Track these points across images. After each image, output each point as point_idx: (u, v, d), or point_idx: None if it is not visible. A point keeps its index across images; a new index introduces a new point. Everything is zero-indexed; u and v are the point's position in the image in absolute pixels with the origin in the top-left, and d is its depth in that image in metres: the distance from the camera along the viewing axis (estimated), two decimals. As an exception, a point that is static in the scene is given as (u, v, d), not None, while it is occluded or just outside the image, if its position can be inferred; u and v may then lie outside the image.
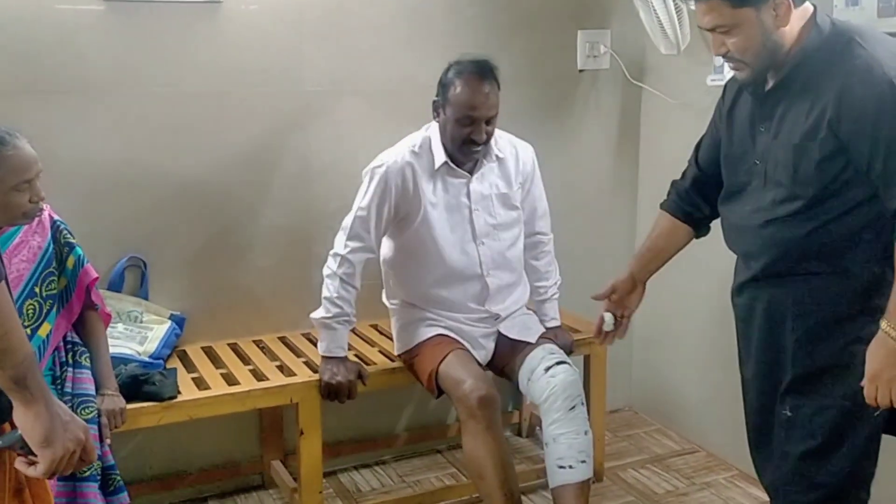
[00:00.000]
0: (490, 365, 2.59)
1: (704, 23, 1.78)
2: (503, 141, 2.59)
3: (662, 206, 2.21)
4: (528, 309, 2.71)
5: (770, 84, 1.80)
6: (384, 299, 2.69)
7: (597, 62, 3.19)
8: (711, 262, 2.70)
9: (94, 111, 2.55)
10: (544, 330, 2.63)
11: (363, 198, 2.46)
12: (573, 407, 2.36)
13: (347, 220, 2.47)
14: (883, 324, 1.65)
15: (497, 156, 2.54)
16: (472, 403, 2.31)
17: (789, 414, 1.86)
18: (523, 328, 2.59)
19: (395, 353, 2.62)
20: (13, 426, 1.22)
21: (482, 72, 2.39)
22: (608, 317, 2.21)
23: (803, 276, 1.80)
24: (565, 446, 2.34)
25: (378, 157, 2.50)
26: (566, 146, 3.22)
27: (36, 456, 1.22)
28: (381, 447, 3.09)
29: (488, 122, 2.41)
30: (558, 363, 2.43)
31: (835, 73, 1.68)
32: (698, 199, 2.11)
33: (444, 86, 2.43)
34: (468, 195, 2.50)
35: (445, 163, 2.46)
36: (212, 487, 2.84)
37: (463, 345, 2.50)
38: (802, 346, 1.81)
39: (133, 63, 2.57)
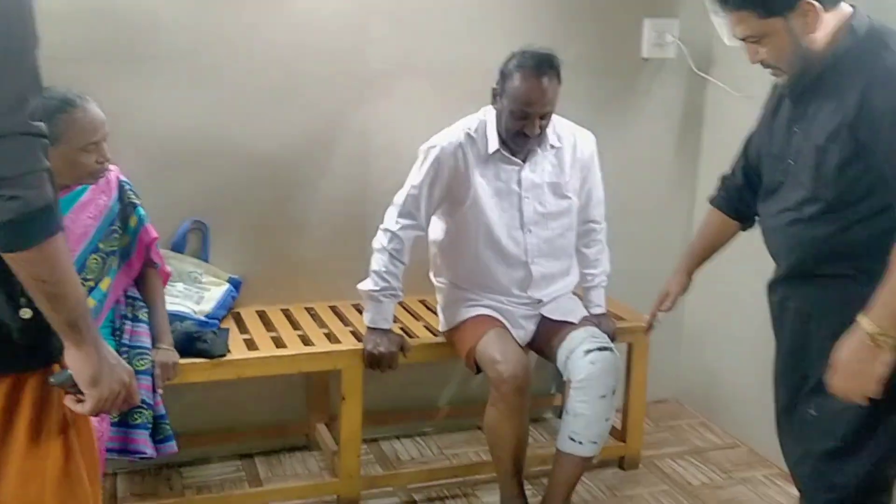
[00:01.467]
0: (530, 345, 2.64)
1: (736, 33, 1.80)
2: (563, 129, 2.61)
3: (712, 202, 2.23)
4: (574, 294, 2.73)
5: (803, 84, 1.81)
6: (431, 277, 2.75)
7: (663, 51, 3.17)
8: (762, 257, 2.69)
9: (165, 80, 2.66)
10: (588, 314, 2.66)
11: (416, 176, 2.52)
12: (604, 395, 2.41)
13: (399, 197, 2.53)
14: (860, 317, 1.63)
15: (552, 145, 2.57)
16: (505, 388, 2.38)
17: (813, 413, 1.86)
18: (566, 310, 2.63)
19: (440, 330, 2.68)
20: (63, 367, 1.32)
21: (542, 67, 2.40)
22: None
23: (830, 277, 1.81)
24: (583, 425, 2.42)
25: (434, 136, 2.55)
26: (626, 135, 3.21)
27: (83, 395, 1.32)
28: (423, 419, 3.17)
29: (543, 116, 2.43)
30: (600, 349, 2.47)
31: (861, 75, 1.68)
32: (747, 195, 2.11)
33: (504, 75, 2.45)
34: (519, 182, 2.54)
35: (498, 150, 2.50)
36: (259, 445, 2.97)
37: (503, 323, 2.55)
38: (827, 346, 1.80)
39: (206, 35, 2.68)
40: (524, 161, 2.54)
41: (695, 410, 3.43)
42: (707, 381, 3.38)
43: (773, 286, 1.98)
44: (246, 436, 2.95)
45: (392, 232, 2.49)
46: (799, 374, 1.90)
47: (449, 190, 2.52)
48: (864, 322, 1.63)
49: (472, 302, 2.59)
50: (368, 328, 2.56)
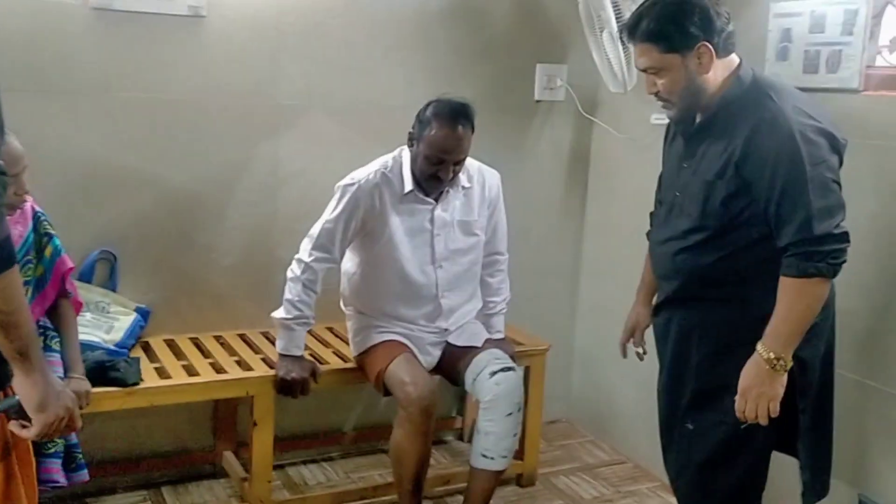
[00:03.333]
0: (436, 370, 2.77)
1: (639, 64, 2.03)
2: (472, 169, 2.75)
3: (648, 235, 2.35)
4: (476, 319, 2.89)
5: (695, 125, 2.04)
6: (341, 305, 2.85)
7: (553, 94, 3.41)
8: None
9: (77, 112, 2.69)
10: (488, 336, 2.81)
11: (332, 211, 2.60)
12: (510, 413, 2.58)
13: (315, 230, 2.61)
14: (759, 346, 1.88)
15: (463, 186, 2.71)
16: (413, 410, 2.51)
17: (690, 426, 2.08)
18: (471, 335, 2.77)
19: (352, 355, 2.79)
20: (7, 394, 1.37)
21: (458, 117, 2.53)
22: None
23: (709, 302, 2.03)
24: (493, 441, 2.58)
25: (351, 174, 2.64)
26: (520, 171, 3.42)
27: (29, 421, 1.37)
28: (329, 444, 3.25)
29: (457, 163, 2.58)
30: (504, 369, 2.62)
31: (747, 120, 1.91)
32: None
33: (420, 122, 2.57)
34: (431, 221, 2.67)
35: (412, 190, 2.62)
36: (165, 474, 2.98)
37: (411, 349, 2.68)
38: (704, 365, 2.04)
39: (117, 69, 2.72)
40: (436, 200, 2.66)
41: (585, 430, 3.65)
42: (596, 402, 3.61)
43: (657, 308, 2.19)
44: (152, 464, 2.96)
45: (306, 263, 2.59)
46: (678, 391, 2.12)
47: (363, 225, 2.62)
48: (762, 349, 1.86)
49: (382, 328, 2.71)
50: (281, 355, 2.63)
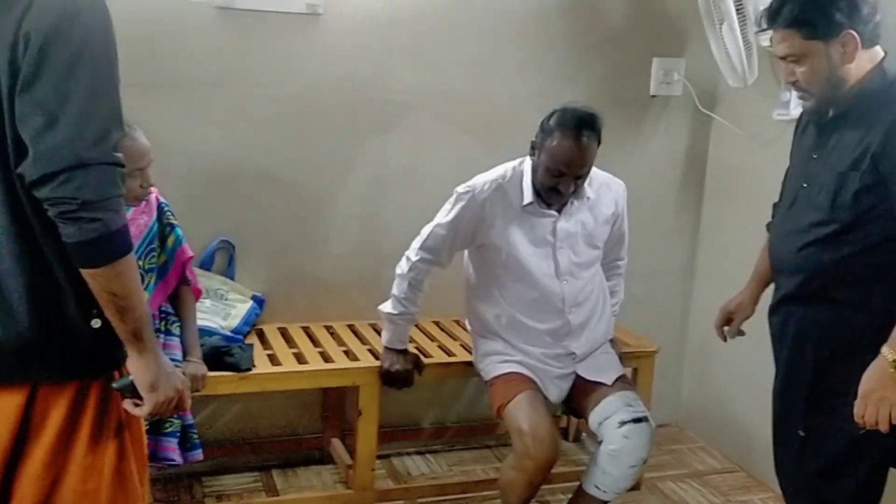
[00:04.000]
0: (564, 402, 2.67)
1: (778, 51, 1.93)
2: (597, 180, 2.62)
3: (768, 228, 2.29)
4: (610, 347, 2.74)
5: (829, 116, 1.94)
6: (466, 323, 2.78)
7: (669, 89, 3.32)
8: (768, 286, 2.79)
9: (199, 107, 2.81)
10: (622, 373, 2.66)
11: (445, 215, 2.54)
12: (634, 466, 2.47)
13: (426, 230, 2.57)
14: (884, 349, 1.77)
15: (588, 197, 2.57)
16: (529, 464, 2.39)
17: (802, 434, 1.99)
18: (601, 368, 2.61)
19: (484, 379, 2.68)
20: (124, 374, 1.45)
21: (582, 127, 2.40)
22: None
23: (831, 303, 1.93)
24: (610, 483, 2.48)
25: (471, 180, 2.55)
26: (634, 167, 3.33)
27: (141, 399, 1.45)
28: (434, 437, 3.29)
29: (579, 176, 2.45)
30: (635, 420, 2.46)
31: (889, 112, 1.81)
32: None
33: (543, 131, 2.46)
34: (554, 233, 2.55)
35: (533, 202, 2.51)
36: (276, 457, 3.09)
37: (535, 384, 2.54)
38: (821, 368, 1.94)
39: (237, 65, 2.83)
40: (559, 212, 2.55)
41: (695, 435, 3.54)
42: (708, 406, 3.49)
43: (774, 308, 2.10)
44: (264, 448, 3.07)
45: (413, 262, 2.56)
46: (792, 395, 2.03)
47: (474, 237, 2.54)
48: (888, 352, 1.76)
49: (505, 357, 2.59)
50: (385, 348, 2.68)
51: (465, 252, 2.67)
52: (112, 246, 1.29)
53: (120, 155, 1.30)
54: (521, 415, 2.43)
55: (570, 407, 2.70)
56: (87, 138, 1.25)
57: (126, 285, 1.33)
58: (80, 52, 1.25)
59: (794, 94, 2.06)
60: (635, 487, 3.05)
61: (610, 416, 2.49)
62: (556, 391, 2.60)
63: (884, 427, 1.80)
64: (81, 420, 1.43)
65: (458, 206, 2.53)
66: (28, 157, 1.25)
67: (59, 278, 1.34)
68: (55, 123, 1.24)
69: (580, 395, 2.60)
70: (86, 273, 1.31)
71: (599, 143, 2.48)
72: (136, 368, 1.42)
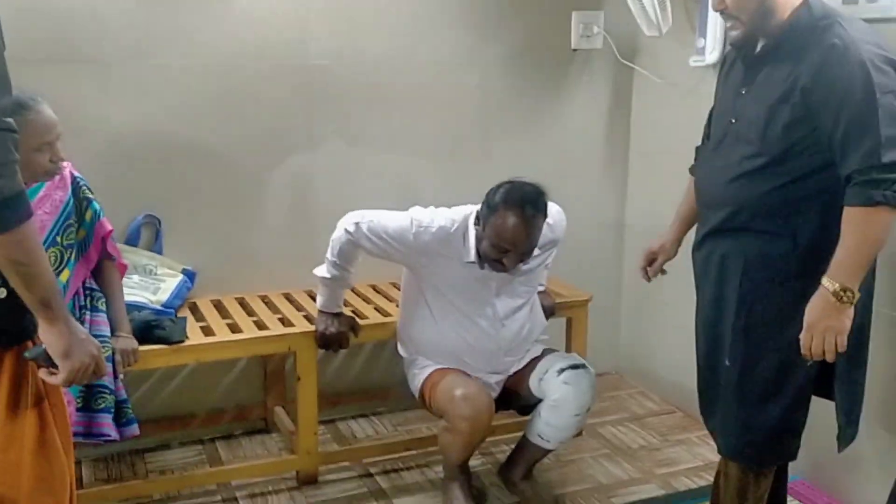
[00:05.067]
0: (500, 400, 2.65)
1: None
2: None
3: (691, 171, 2.34)
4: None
5: (758, 49, 1.98)
6: (399, 349, 2.75)
7: (590, 42, 3.35)
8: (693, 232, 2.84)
9: (113, 80, 2.76)
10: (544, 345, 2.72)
11: (391, 225, 2.49)
12: (578, 414, 2.52)
13: (369, 215, 2.51)
14: (825, 280, 1.83)
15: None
16: (464, 426, 2.40)
17: (728, 364, 2.05)
18: (530, 355, 2.67)
19: (416, 397, 2.69)
20: (36, 343, 1.44)
21: (526, 206, 2.36)
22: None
23: (756, 234, 1.98)
24: (552, 433, 2.54)
25: (426, 217, 2.50)
26: (560, 123, 3.39)
27: (57, 368, 1.44)
28: (377, 399, 3.31)
29: (524, 253, 2.41)
30: (574, 366, 2.53)
31: (816, 47, 1.86)
32: None
33: (489, 206, 2.40)
34: (491, 283, 2.54)
35: (474, 262, 2.48)
36: (219, 429, 3.09)
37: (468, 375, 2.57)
38: (746, 300, 2.00)
39: (149, 37, 2.78)
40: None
41: (634, 382, 3.63)
42: (644, 354, 3.58)
43: (699, 244, 2.15)
44: (206, 421, 3.07)
45: (349, 233, 2.52)
46: (717, 328, 2.09)
47: (406, 262, 2.56)
48: (827, 282, 1.83)
49: (436, 364, 2.61)
50: (320, 311, 2.68)
51: (404, 272, 2.66)
52: (9, 213, 1.28)
53: (10, 121, 1.28)
54: (454, 384, 2.46)
55: (512, 402, 2.70)
56: (-28, 104, 1.23)
57: (29, 253, 1.32)
58: None
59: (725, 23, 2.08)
60: (576, 434, 3.12)
61: (548, 369, 2.55)
62: (493, 393, 2.62)
63: (830, 357, 1.86)
64: (-4, 390, 1.43)
65: (403, 228, 2.48)
66: None
67: (-42, 248, 1.33)
68: (-62, 91, 1.22)
69: (516, 381, 2.64)
70: (-14, 241, 1.30)
71: (545, 218, 2.44)
72: (47, 337, 1.41)
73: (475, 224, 2.48)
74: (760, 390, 2.03)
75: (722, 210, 2.04)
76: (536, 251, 2.52)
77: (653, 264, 2.44)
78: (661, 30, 2.94)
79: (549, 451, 2.64)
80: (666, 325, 3.43)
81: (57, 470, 1.53)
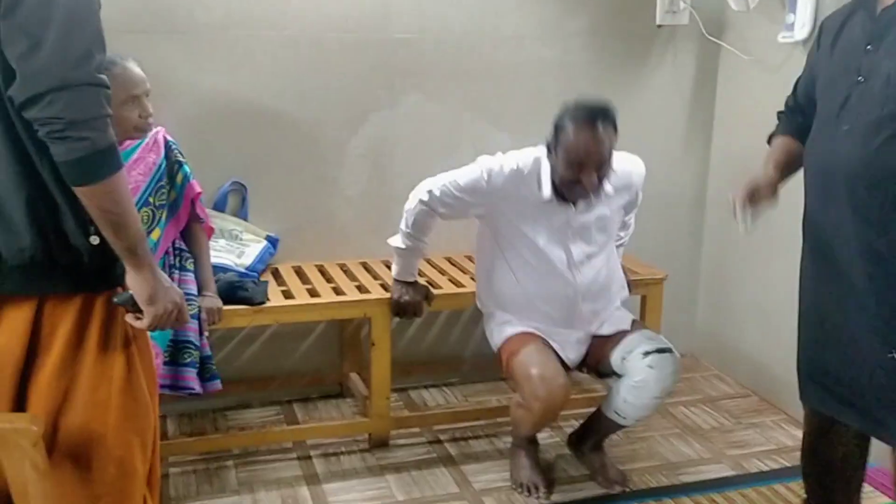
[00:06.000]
0: (582, 365, 2.67)
1: None
2: (616, 172, 2.52)
3: (775, 134, 2.19)
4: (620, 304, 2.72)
5: (887, 3, 1.81)
6: (478, 304, 2.77)
7: (675, 18, 3.30)
8: (778, 217, 2.76)
9: (205, 50, 2.87)
10: (635, 318, 2.69)
11: (463, 178, 2.50)
12: (658, 397, 2.49)
13: (442, 178, 2.53)
14: None
15: (606, 194, 2.53)
16: (537, 407, 2.42)
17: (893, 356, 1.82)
18: (617, 321, 2.63)
19: (494, 350, 2.69)
20: (125, 289, 1.54)
21: (596, 118, 2.35)
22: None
23: None
24: (630, 411, 2.52)
25: (496, 158, 2.51)
26: (643, 98, 3.35)
27: (142, 313, 1.54)
28: (450, 371, 3.37)
29: (600, 167, 2.39)
30: (659, 350, 2.48)
31: None
32: (801, 117, 2.08)
33: (557, 128, 2.40)
34: (568, 225, 2.53)
35: (552, 199, 2.48)
36: (296, 392, 3.20)
37: (548, 342, 2.56)
38: None
39: (239, 9, 2.88)
40: (574, 205, 2.52)
41: (710, 364, 3.58)
42: (722, 336, 3.53)
43: (821, 215, 1.92)
44: (284, 384, 3.18)
45: (422, 202, 2.55)
46: (879, 317, 1.84)
47: (480, 213, 2.56)
48: None
49: (517, 323, 2.60)
50: (395, 280, 2.75)
51: (477, 234, 2.69)
52: (100, 164, 1.37)
53: (104, 76, 1.37)
54: (531, 361, 2.46)
55: (590, 367, 2.69)
56: (69, 60, 1.32)
57: (118, 202, 1.41)
58: None
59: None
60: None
61: (633, 349, 2.51)
62: (574, 353, 2.62)
63: None
64: (88, 332, 1.53)
65: (475, 178, 2.50)
66: (16, 80, 1.33)
67: (56, 196, 1.43)
68: (38, 47, 1.31)
69: (599, 349, 2.61)
70: (78, 191, 1.39)
71: (616, 131, 2.40)
72: (134, 283, 1.50)
73: (547, 155, 2.46)
74: None
75: (862, 179, 1.79)
76: (611, 190, 2.51)
77: (754, 204, 2.04)
78: (749, 5, 2.88)
79: (622, 427, 2.64)
80: (745, 307, 3.37)
81: (142, 411, 1.63)
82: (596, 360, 2.63)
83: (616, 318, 2.65)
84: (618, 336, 2.59)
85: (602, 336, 2.62)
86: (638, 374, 2.47)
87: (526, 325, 2.59)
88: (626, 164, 2.59)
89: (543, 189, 2.47)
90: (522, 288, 2.58)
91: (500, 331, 2.63)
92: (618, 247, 2.85)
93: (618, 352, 2.55)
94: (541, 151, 2.51)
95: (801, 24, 2.89)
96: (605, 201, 2.56)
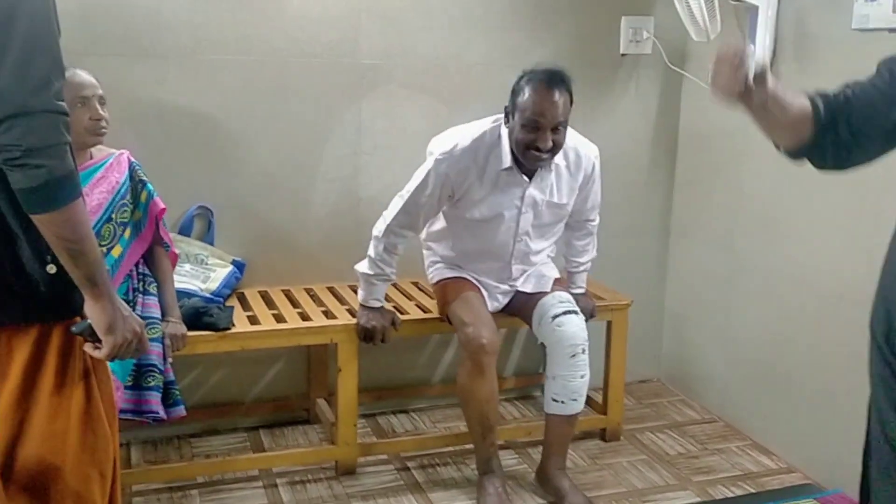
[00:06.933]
0: (505, 310, 2.85)
1: None
2: (569, 149, 2.66)
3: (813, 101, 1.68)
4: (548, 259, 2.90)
5: None
6: (421, 236, 2.92)
7: (639, 47, 3.36)
8: (743, 241, 2.79)
9: (172, 74, 2.87)
10: (558, 276, 2.87)
11: (423, 182, 2.59)
12: (574, 355, 2.62)
13: (403, 195, 2.62)
14: None
15: (558, 165, 2.65)
16: (472, 348, 2.60)
17: None
18: (539, 279, 2.81)
19: (430, 282, 2.92)
20: (83, 318, 1.53)
21: (552, 80, 2.47)
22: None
23: None
24: (561, 385, 2.64)
25: (443, 142, 2.62)
26: (607, 127, 3.39)
27: (101, 342, 1.52)
28: (417, 396, 3.36)
29: (555, 129, 2.48)
30: (566, 312, 2.67)
31: None
32: (841, 117, 1.64)
33: (514, 92, 2.52)
34: (522, 198, 2.65)
35: (511, 167, 2.58)
36: (262, 418, 3.17)
37: (479, 290, 2.77)
38: None
39: (205, 34, 2.88)
40: (530, 178, 2.63)
41: (676, 389, 3.61)
42: (687, 362, 3.56)
43: None
44: (250, 410, 3.15)
45: (389, 225, 2.63)
46: None
47: (451, 196, 2.64)
48: None
49: (456, 268, 2.83)
50: (361, 305, 2.75)
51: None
52: (58, 191, 1.35)
53: (63, 104, 1.36)
54: (464, 310, 2.65)
55: (514, 313, 2.86)
56: (27, 87, 1.31)
57: (76, 230, 1.40)
58: (14, 5, 1.31)
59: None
60: (614, 438, 3.13)
61: (544, 314, 2.68)
62: (496, 304, 2.82)
63: None
64: (45, 362, 1.50)
65: (435, 173, 2.58)
66: None
67: (12, 225, 1.41)
68: (-5, 73, 1.30)
69: (523, 306, 2.80)
70: (36, 219, 1.37)
71: (571, 99, 2.53)
72: (92, 312, 1.48)
73: (505, 121, 2.58)
74: None
75: None
76: (563, 164, 2.65)
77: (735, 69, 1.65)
78: (710, 36, 2.94)
79: (571, 418, 2.68)
80: (709, 335, 3.41)
81: (101, 443, 1.60)
82: (516, 311, 2.84)
83: (538, 273, 2.82)
84: (537, 295, 2.75)
85: (525, 292, 2.80)
86: (550, 336, 2.65)
87: (460, 271, 2.80)
88: (580, 144, 2.73)
89: (504, 158, 2.58)
90: (463, 244, 2.77)
91: (436, 269, 2.86)
92: (580, 273, 2.89)
93: (535, 316, 2.72)
94: (492, 122, 2.63)
95: (761, 54, 2.95)
96: (557, 178, 2.67)
